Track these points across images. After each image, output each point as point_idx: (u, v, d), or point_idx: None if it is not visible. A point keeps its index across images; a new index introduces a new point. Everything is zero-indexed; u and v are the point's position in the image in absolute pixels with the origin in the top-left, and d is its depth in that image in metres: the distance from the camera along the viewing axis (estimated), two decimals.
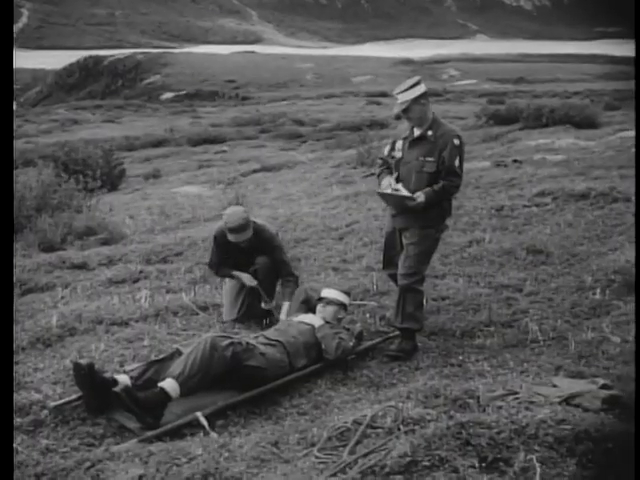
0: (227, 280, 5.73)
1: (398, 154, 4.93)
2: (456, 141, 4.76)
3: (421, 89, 4.71)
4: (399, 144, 4.96)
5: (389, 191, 4.81)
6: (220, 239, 5.56)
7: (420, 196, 4.68)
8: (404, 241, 4.94)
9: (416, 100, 4.69)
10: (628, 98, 30.44)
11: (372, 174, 12.82)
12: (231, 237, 5.35)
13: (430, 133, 4.79)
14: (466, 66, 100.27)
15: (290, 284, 5.51)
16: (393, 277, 5.16)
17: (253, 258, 5.57)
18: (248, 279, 5.51)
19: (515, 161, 12.57)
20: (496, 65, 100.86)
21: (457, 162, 4.76)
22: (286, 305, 5.37)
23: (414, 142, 4.86)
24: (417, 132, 4.85)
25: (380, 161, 5.18)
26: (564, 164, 11.71)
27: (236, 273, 5.60)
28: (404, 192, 4.73)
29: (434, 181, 4.74)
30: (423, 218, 4.79)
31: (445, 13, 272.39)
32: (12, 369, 4.21)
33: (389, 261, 5.15)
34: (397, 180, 4.86)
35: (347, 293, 5.27)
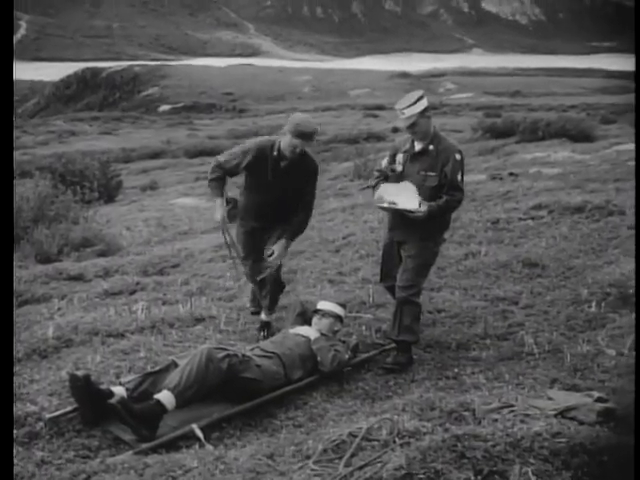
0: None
1: (399, 167, 4.90)
2: (458, 156, 4.76)
3: (425, 103, 4.70)
4: (400, 157, 4.91)
5: (386, 205, 4.80)
6: (262, 151, 5.09)
7: (422, 206, 4.66)
8: (403, 254, 4.94)
9: (422, 114, 4.68)
10: (624, 112, 30.66)
11: (369, 187, 12.86)
12: (296, 142, 4.93)
13: (431, 147, 4.78)
14: (462, 80, 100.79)
15: (298, 222, 5.26)
16: (390, 289, 5.16)
17: (286, 185, 5.15)
18: (219, 210, 5.14)
19: (511, 174, 12.64)
20: (492, 79, 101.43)
21: (459, 177, 4.76)
22: (282, 242, 5.18)
23: (415, 156, 4.84)
24: (418, 146, 4.83)
25: (377, 173, 5.13)
26: (560, 177, 11.77)
27: (218, 200, 5.16)
28: (402, 206, 4.72)
29: (435, 195, 4.72)
30: (422, 231, 4.79)
31: (441, 27, 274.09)
32: (12, 381, 4.20)
33: (386, 274, 5.15)
34: None
35: (343, 305, 5.26)
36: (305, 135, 4.93)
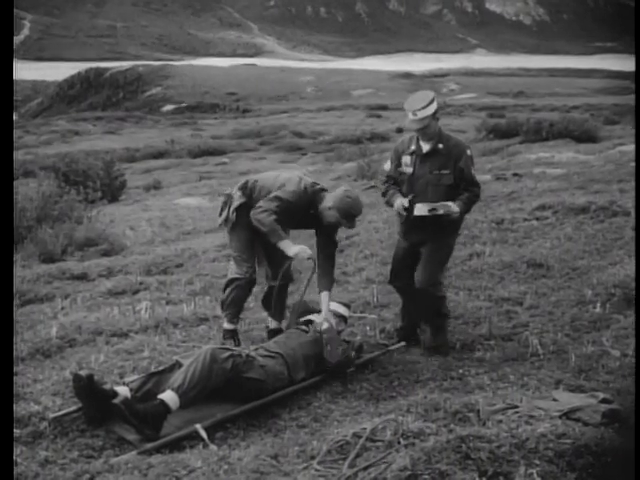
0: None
1: (409, 170, 4.88)
2: (468, 151, 4.85)
3: (436, 105, 4.69)
4: (407, 159, 4.89)
5: (427, 213, 4.72)
6: (297, 199, 4.82)
7: (455, 208, 4.71)
8: (423, 252, 4.95)
9: (433, 116, 4.68)
10: (627, 113, 30.65)
11: (372, 187, 12.85)
12: (343, 222, 4.77)
13: (441, 146, 4.79)
14: (466, 80, 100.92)
15: (328, 269, 5.00)
16: (400, 290, 5.21)
17: (308, 225, 5.04)
18: (296, 247, 4.74)
19: (515, 175, 12.62)
20: (495, 79, 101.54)
21: (473, 171, 4.85)
22: (326, 295, 4.90)
23: (425, 156, 4.83)
24: (427, 146, 4.82)
25: (385, 177, 5.09)
26: (564, 178, 11.75)
27: (287, 242, 4.75)
28: (441, 210, 4.69)
29: (451, 193, 4.77)
30: (443, 230, 4.84)
31: (445, 27, 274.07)
32: (12, 380, 4.20)
33: (396, 275, 5.15)
34: (413, 199, 4.80)
35: (347, 305, 5.26)
36: (354, 217, 4.84)
